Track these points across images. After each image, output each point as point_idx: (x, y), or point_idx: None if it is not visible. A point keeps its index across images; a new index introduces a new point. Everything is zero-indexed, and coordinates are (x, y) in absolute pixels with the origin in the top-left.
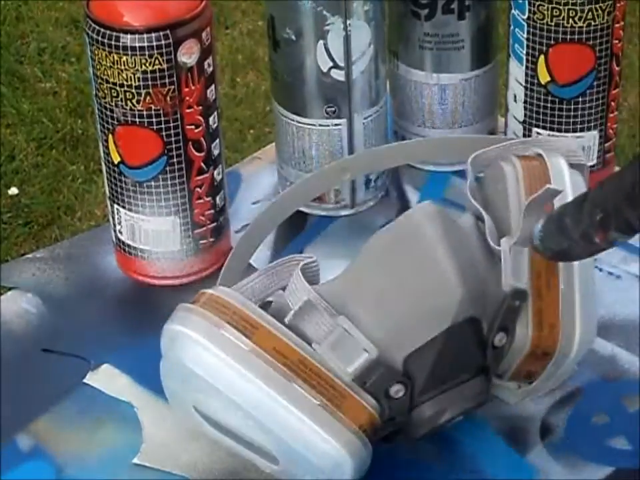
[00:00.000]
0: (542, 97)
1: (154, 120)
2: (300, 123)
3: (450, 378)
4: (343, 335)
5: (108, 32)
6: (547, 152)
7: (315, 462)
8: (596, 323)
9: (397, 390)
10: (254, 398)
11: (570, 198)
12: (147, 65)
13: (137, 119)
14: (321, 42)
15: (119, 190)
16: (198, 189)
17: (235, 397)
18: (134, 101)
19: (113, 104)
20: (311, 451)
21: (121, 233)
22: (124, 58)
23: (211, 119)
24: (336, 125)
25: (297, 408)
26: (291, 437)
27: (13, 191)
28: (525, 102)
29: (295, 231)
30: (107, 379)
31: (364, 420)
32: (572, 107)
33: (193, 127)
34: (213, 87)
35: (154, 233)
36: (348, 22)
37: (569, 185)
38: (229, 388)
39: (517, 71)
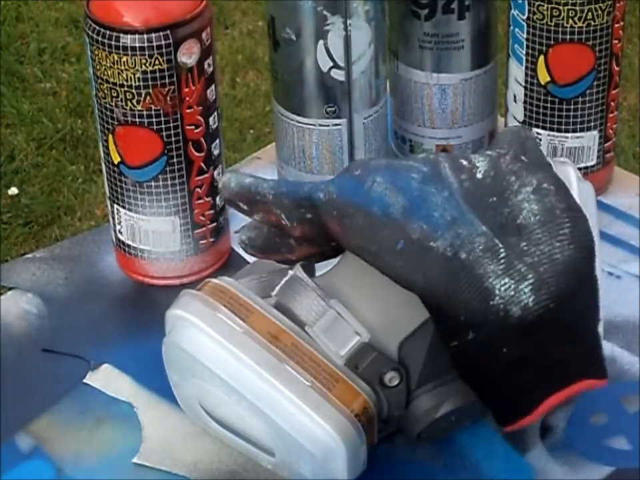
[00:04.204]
0: (542, 97)
1: (154, 120)
2: (300, 122)
3: (448, 370)
4: (335, 318)
5: (108, 32)
6: (556, 162)
7: (306, 445)
8: (602, 321)
9: (391, 377)
10: (246, 379)
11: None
12: (147, 65)
13: (137, 119)
14: (321, 42)
15: (119, 190)
16: (198, 189)
17: (228, 378)
18: (134, 101)
19: (113, 104)
20: (301, 433)
21: (120, 232)
22: (124, 58)
23: (211, 119)
24: (336, 125)
25: (287, 389)
26: (282, 419)
27: (13, 190)
28: (525, 102)
29: None
30: (107, 379)
31: (356, 404)
32: (572, 107)
33: (193, 127)
34: (213, 87)
35: (154, 233)
36: (348, 22)
37: (576, 194)
38: (222, 369)
39: (516, 71)
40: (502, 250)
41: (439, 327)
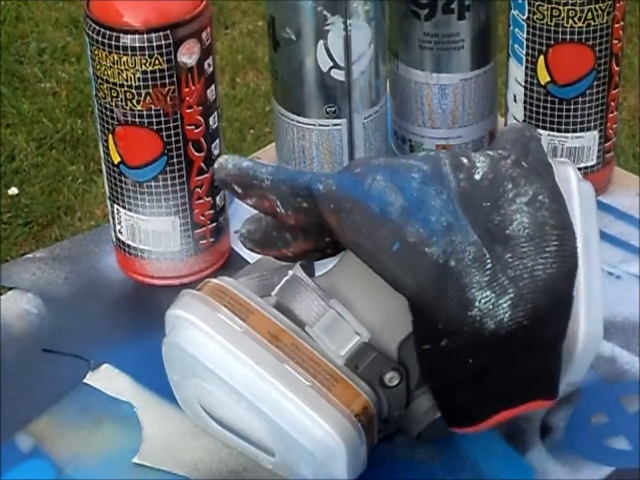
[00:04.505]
0: (542, 97)
1: (154, 120)
2: (300, 122)
3: None
4: (335, 318)
5: (108, 32)
6: (556, 162)
7: (306, 446)
8: (602, 322)
9: (391, 377)
10: (245, 378)
11: (577, 207)
12: (147, 65)
13: (137, 119)
14: (321, 42)
15: (119, 190)
16: (198, 189)
17: (228, 378)
18: (134, 101)
19: (113, 104)
20: (301, 433)
21: (120, 232)
22: (124, 58)
23: (211, 119)
24: (336, 125)
25: (287, 388)
26: (282, 419)
27: (13, 190)
28: (525, 102)
29: None
30: (107, 379)
31: (356, 404)
32: (572, 107)
33: (193, 127)
34: (213, 87)
35: (154, 233)
36: (348, 22)
37: (576, 193)
38: (222, 369)
39: (516, 71)
40: (489, 261)
41: (417, 329)
